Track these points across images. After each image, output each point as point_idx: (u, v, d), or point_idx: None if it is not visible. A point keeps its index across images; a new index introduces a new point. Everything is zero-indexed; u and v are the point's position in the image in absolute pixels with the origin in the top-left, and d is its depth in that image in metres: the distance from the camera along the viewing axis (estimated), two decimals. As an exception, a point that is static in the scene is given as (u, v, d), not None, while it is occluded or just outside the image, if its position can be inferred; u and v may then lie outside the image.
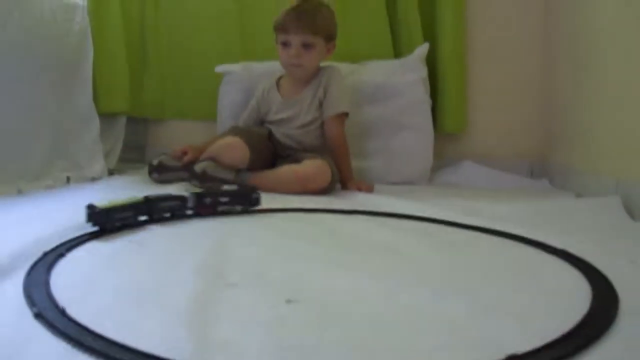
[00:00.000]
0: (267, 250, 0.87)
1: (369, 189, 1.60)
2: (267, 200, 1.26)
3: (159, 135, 2.26)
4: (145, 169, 1.75)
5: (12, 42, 1.49)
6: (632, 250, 0.92)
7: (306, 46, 1.60)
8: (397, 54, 2.03)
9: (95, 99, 1.89)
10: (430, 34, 1.98)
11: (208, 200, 1.13)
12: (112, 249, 0.84)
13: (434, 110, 1.97)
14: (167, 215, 1.07)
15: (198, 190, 1.22)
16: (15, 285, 0.64)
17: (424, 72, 1.89)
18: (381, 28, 2.01)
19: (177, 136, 2.21)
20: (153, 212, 1.03)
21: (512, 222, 1.10)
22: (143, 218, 1.02)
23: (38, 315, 0.55)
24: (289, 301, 0.62)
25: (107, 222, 0.94)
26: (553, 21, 1.94)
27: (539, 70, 2.01)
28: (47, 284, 0.64)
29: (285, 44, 1.61)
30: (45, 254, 0.77)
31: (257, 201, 1.19)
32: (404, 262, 0.84)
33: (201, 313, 0.57)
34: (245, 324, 0.56)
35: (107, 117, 1.99)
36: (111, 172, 1.91)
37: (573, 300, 0.66)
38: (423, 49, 1.90)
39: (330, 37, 1.65)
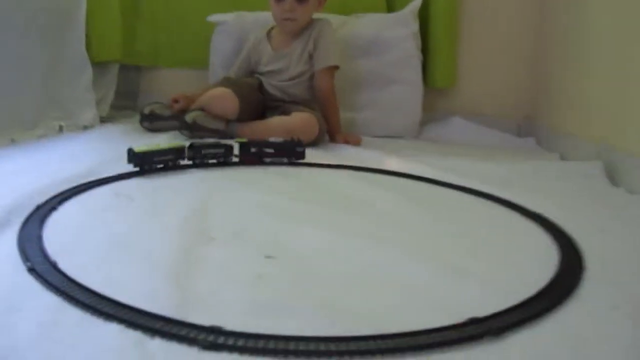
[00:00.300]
0: (250, 206, 0.91)
1: (357, 142, 1.63)
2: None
3: (152, 83, 2.27)
4: (137, 117, 1.78)
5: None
6: (605, 217, 0.96)
7: (299, 1, 1.60)
8: (390, 7, 2.02)
9: (88, 47, 1.88)
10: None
11: (254, 149, 1.19)
12: (102, 203, 0.88)
13: (425, 64, 1.99)
14: (212, 161, 1.15)
15: (243, 140, 1.27)
16: (9, 240, 0.68)
17: (415, 27, 1.89)
18: (374, -19, 2.00)
19: (169, 84, 2.22)
20: (196, 157, 1.11)
21: (491, 182, 1.13)
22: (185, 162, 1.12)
23: (31, 270, 0.59)
24: (268, 257, 0.66)
25: (146, 163, 1.06)
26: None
27: (531, 31, 2.02)
28: (39, 239, 0.68)
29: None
30: (38, 207, 0.80)
31: (301, 154, 1.24)
32: (378, 219, 0.88)
33: (184, 268, 0.61)
34: (225, 280, 0.60)
35: (99, 65, 1.99)
36: (103, 120, 1.93)
37: (540, 265, 0.70)
38: (416, 3, 1.90)
39: None
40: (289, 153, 1.23)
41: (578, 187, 1.21)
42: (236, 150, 1.19)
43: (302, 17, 1.63)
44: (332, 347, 0.47)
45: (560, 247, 0.77)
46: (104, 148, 1.38)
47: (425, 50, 1.98)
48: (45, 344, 0.46)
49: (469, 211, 0.98)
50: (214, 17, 2.00)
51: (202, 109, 1.59)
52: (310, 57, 1.67)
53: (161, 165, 1.09)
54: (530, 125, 2.05)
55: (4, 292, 0.55)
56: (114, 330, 0.49)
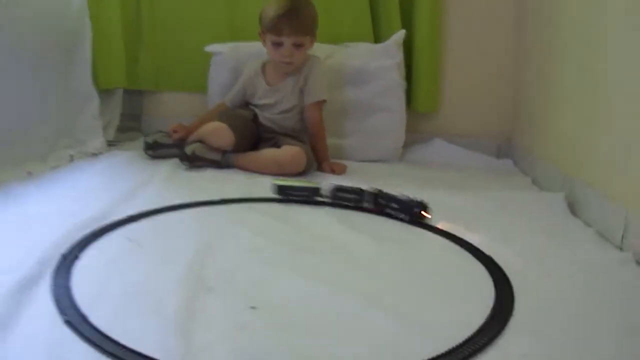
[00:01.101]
0: (242, 250, 1.07)
1: (342, 171, 1.80)
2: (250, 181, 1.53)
3: (154, 105, 2.43)
4: (141, 141, 1.95)
5: (12, 30, 1.62)
6: (555, 256, 1.12)
7: (297, 45, 1.76)
8: (377, 37, 2.18)
9: (94, 76, 2.05)
10: (408, 20, 2.13)
11: (382, 201, 1.32)
12: (116, 250, 1.04)
13: (409, 90, 2.15)
14: (346, 203, 1.33)
15: (375, 190, 1.36)
16: (44, 291, 0.84)
17: (399, 57, 2.05)
18: (362, 12, 2.15)
19: (170, 106, 2.40)
20: (335, 198, 1.29)
21: (457, 219, 1.30)
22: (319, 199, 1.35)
23: (67, 322, 0.75)
24: (252, 307, 0.82)
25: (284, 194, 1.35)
26: (524, 12, 2.09)
27: (510, 57, 2.19)
28: (69, 290, 0.84)
29: (277, 44, 1.76)
30: (64, 257, 0.96)
31: (419, 216, 1.30)
32: (348, 263, 1.04)
33: (186, 320, 0.77)
34: (217, 330, 0.76)
35: (105, 91, 2.15)
36: (110, 143, 2.09)
37: (481, 311, 0.84)
38: (399, 35, 2.06)
39: (314, 33, 1.81)
40: (409, 212, 1.30)
41: (537, 222, 1.35)
42: (366, 198, 1.35)
43: (299, 59, 1.80)
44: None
45: (498, 295, 0.90)
46: (114, 182, 1.54)
47: (409, 76, 2.14)
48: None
49: (428, 253, 1.14)
50: (211, 48, 2.15)
51: (200, 141, 1.74)
52: (301, 91, 1.82)
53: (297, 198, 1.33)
54: (509, 147, 2.21)
55: (47, 343, 0.71)
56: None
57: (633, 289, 0.98)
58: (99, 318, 0.77)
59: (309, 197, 1.34)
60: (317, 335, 0.77)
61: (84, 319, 0.76)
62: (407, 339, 0.77)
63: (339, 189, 1.35)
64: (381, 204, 1.32)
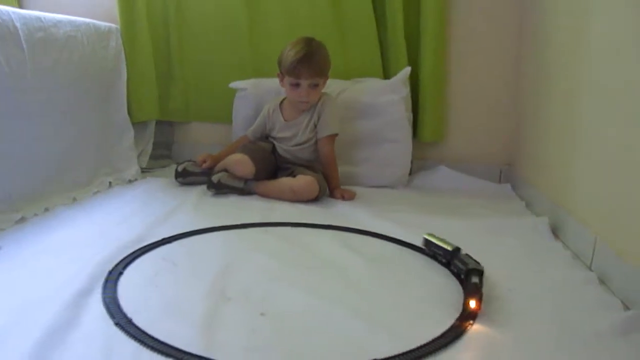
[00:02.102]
0: (256, 269, 1.28)
1: (351, 197, 1.99)
2: (262, 209, 1.75)
3: (184, 134, 2.66)
4: (171, 168, 2.18)
5: (62, 73, 1.85)
6: (531, 275, 1.29)
7: (313, 86, 1.96)
8: (386, 72, 2.37)
9: (129, 110, 2.28)
10: (415, 56, 2.33)
11: (458, 264, 1.32)
12: (153, 268, 1.25)
13: (416, 121, 2.34)
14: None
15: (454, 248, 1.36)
16: (96, 301, 1.05)
17: (405, 92, 2.23)
18: (372, 50, 2.35)
19: (199, 135, 2.63)
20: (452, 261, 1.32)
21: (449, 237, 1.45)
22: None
23: (117, 324, 0.96)
24: (262, 314, 1.02)
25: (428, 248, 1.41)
26: (523, 50, 2.27)
27: (511, 89, 2.35)
28: (116, 299, 1.05)
29: (295, 85, 1.97)
30: (110, 273, 1.17)
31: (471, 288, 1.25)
32: (338, 281, 1.23)
33: (209, 323, 0.98)
34: (233, 332, 0.96)
35: (139, 123, 2.38)
36: (144, 170, 2.32)
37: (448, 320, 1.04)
38: (405, 72, 2.25)
39: (328, 72, 2.01)
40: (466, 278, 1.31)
41: (520, 244, 1.52)
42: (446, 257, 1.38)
43: (314, 99, 2.00)
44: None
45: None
46: (148, 207, 1.76)
47: (415, 109, 2.34)
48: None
49: (411, 271, 1.33)
50: (235, 84, 2.37)
51: (225, 170, 1.96)
52: (315, 126, 2.03)
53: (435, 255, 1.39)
54: (509, 172, 2.38)
55: (102, 340, 0.92)
56: (171, 365, 0.85)
57: (590, 306, 1.14)
58: (141, 321, 0.98)
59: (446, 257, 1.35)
60: (312, 338, 0.97)
61: (129, 321, 0.97)
62: (382, 342, 0.96)
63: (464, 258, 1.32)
64: (453, 265, 1.35)
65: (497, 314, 1.08)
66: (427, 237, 1.41)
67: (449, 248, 1.34)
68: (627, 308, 1.13)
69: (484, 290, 1.14)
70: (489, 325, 1.03)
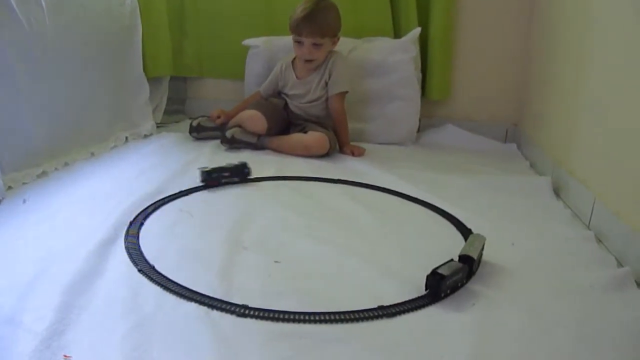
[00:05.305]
0: (271, 220, 1.34)
1: (360, 153, 2.05)
2: (276, 163, 1.82)
3: (197, 90, 2.71)
4: (185, 123, 2.23)
5: (78, 30, 1.88)
6: (528, 231, 1.34)
7: (316, 45, 2.00)
8: (397, 31, 2.40)
9: (144, 66, 2.32)
10: (425, 15, 2.35)
11: (214, 175, 1.57)
12: (172, 218, 1.32)
13: (424, 80, 2.38)
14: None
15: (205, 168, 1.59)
16: (120, 248, 1.13)
17: (415, 51, 2.27)
18: (383, 10, 2.37)
19: (211, 91, 2.68)
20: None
21: (449, 197, 1.54)
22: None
23: (140, 271, 1.03)
24: (276, 261, 1.10)
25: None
26: (535, 9, 2.29)
27: (520, 50, 2.37)
28: (139, 248, 1.12)
29: (298, 42, 2.01)
30: (131, 223, 1.25)
31: (248, 174, 1.63)
32: (348, 231, 1.30)
33: (228, 269, 1.05)
34: (251, 277, 1.04)
35: (153, 78, 2.43)
36: (159, 125, 2.37)
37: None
38: (415, 32, 2.28)
39: (335, 34, 2.04)
40: (240, 174, 1.63)
41: (521, 202, 1.57)
42: (201, 177, 1.57)
43: (318, 57, 2.04)
44: (308, 317, 0.90)
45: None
46: (165, 161, 1.82)
47: (424, 67, 2.37)
48: (158, 314, 0.90)
49: (413, 221, 1.40)
50: (247, 42, 2.41)
51: (238, 126, 2.02)
52: (326, 84, 2.07)
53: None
54: (515, 132, 2.42)
55: (127, 285, 0.99)
56: (192, 306, 0.93)
57: (586, 261, 1.20)
58: (162, 267, 1.05)
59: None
60: (325, 282, 1.04)
61: (152, 268, 1.04)
62: (387, 285, 1.03)
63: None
64: (214, 178, 1.57)
65: (499, 265, 1.14)
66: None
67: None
68: (620, 265, 1.19)
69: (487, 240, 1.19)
70: (490, 275, 1.10)
